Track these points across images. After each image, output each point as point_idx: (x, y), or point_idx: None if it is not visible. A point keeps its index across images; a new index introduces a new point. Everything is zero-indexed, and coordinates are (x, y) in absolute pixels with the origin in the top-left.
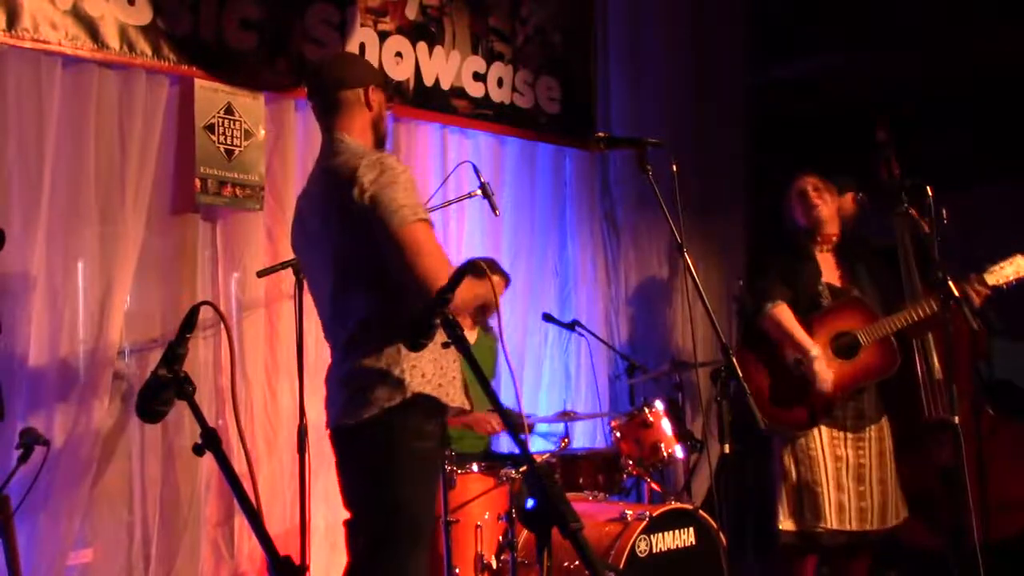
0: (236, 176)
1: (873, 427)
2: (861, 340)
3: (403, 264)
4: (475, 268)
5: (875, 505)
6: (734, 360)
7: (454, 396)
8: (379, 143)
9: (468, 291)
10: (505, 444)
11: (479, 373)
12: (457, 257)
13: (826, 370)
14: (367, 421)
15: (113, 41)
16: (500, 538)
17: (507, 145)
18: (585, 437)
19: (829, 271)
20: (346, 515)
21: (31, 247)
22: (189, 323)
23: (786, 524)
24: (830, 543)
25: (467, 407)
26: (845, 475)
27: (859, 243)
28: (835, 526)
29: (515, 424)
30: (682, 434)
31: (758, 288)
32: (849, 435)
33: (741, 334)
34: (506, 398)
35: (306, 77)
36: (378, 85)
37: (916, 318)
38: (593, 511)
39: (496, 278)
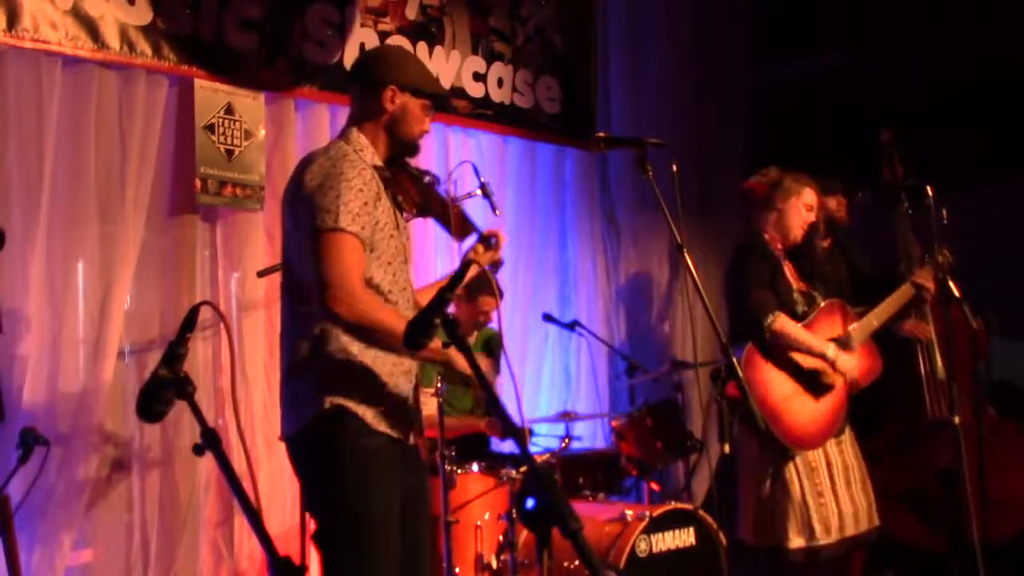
0: (236, 176)
1: (848, 429)
2: (853, 342)
3: (310, 269)
4: (475, 267)
5: (864, 506)
6: (734, 360)
7: (379, 422)
8: (399, 147)
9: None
10: (506, 444)
11: (480, 374)
12: (459, 257)
13: (847, 359)
14: (300, 433)
15: (113, 41)
16: (500, 538)
17: (508, 145)
18: (585, 437)
19: (792, 277)
20: None
21: (31, 247)
22: (189, 323)
23: (796, 542)
24: (836, 552)
25: (397, 436)
26: (839, 481)
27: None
28: (838, 536)
29: (514, 427)
30: (682, 434)
31: (750, 306)
32: (833, 439)
33: (752, 343)
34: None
35: None
36: (405, 88)
37: (897, 305)
38: (593, 511)
39: (486, 298)
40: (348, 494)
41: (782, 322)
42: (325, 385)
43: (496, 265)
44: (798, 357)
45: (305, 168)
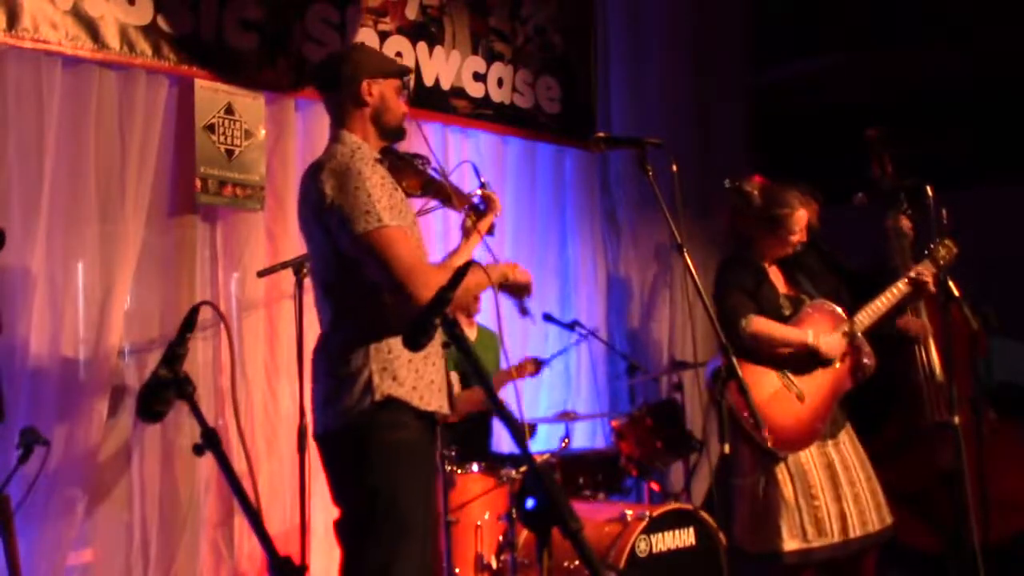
0: (236, 176)
1: (844, 430)
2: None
3: (377, 271)
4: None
5: (871, 505)
6: (734, 360)
7: (430, 400)
8: (388, 134)
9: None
10: (506, 444)
11: (479, 372)
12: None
13: (829, 339)
14: (340, 428)
15: (113, 41)
16: (500, 538)
17: (508, 145)
18: (585, 437)
19: (779, 282)
20: None
21: (31, 247)
22: (189, 323)
23: (791, 544)
24: (833, 555)
25: (445, 411)
26: (838, 482)
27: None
28: (839, 538)
29: (515, 426)
30: (682, 434)
31: (727, 310)
32: (829, 441)
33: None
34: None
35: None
36: (375, 77)
37: (890, 304)
38: (593, 511)
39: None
40: (382, 482)
41: (757, 323)
42: (374, 376)
43: (490, 231)
44: (780, 352)
45: (317, 178)
